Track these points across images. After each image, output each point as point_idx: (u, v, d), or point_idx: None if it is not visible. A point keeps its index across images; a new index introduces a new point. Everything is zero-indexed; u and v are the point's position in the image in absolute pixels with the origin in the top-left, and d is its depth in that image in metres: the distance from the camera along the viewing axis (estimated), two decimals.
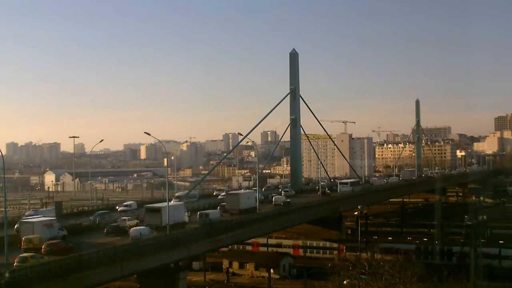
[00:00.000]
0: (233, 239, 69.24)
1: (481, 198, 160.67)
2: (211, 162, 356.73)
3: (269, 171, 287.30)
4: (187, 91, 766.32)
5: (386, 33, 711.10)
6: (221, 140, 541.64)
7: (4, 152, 51.16)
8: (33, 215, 65.28)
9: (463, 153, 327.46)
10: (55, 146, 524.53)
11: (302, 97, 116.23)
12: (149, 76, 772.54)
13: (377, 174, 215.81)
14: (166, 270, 55.54)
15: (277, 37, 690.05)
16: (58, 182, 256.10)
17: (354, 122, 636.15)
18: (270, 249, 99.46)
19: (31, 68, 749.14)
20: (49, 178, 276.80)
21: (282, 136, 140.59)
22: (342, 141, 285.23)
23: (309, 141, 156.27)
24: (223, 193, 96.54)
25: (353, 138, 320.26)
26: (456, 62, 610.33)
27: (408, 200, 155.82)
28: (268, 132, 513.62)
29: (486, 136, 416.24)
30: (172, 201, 71.02)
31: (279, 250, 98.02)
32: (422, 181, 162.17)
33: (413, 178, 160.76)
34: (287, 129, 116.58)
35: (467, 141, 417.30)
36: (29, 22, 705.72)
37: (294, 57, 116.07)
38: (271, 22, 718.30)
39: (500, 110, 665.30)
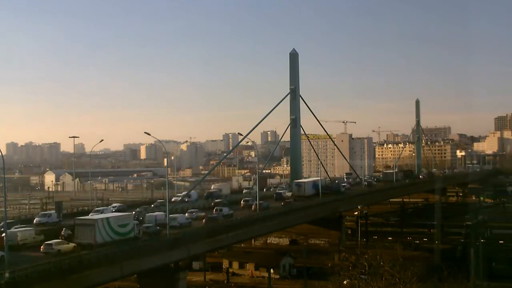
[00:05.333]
0: (233, 239, 69.26)
1: (481, 198, 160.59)
2: (211, 162, 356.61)
3: (269, 171, 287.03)
4: (187, 91, 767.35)
5: (386, 33, 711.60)
6: (221, 140, 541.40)
7: (4, 152, 51.13)
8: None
9: (463, 153, 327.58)
10: (55, 146, 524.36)
11: (302, 97, 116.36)
12: (149, 76, 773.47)
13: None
14: (166, 270, 55.57)
15: (277, 37, 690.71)
16: (58, 182, 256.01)
17: (354, 122, 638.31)
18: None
19: (31, 67, 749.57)
20: (49, 178, 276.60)
21: (282, 136, 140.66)
22: (342, 141, 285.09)
23: (309, 141, 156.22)
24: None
25: (353, 138, 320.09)
26: (456, 62, 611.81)
27: (408, 200, 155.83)
28: (268, 132, 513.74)
29: (486, 136, 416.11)
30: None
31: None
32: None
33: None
34: (287, 129, 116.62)
35: (467, 141, 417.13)
36: (29, 21, 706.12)
37: (294, 57, 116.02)
38: (271, 22, 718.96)
39: (500, 110, 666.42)
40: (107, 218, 52.48)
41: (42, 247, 48.20)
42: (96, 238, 49.64)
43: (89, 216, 58.80)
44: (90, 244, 49.10)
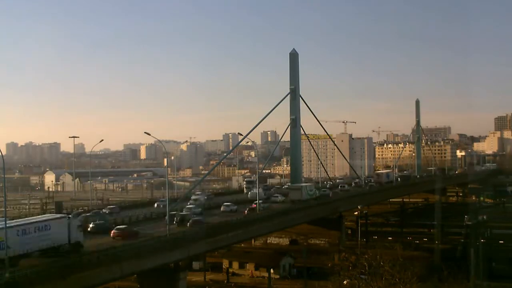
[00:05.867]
0: (233, 239, 69.29)
1: (481, 198, 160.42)
2: (211, 162, 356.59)
3: (269, 171, 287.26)
4: (187, 91, 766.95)
5: (387, 33, 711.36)
6: (221, 140, 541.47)
7: (4, 152, 51.15)
8: None
9: (463, 153, 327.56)
10: (55, 146, 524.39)
11: (302, 97, 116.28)
12: (149, 76, 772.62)
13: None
14: (166, 270, 55.55)
15: (277, 36, 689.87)
16: (58, 182, 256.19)
17: (354, 122, 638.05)
18: None
19: (31, 67, 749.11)
20: (49, 178, 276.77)
21: (282, 136, 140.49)
22: (342, 141, 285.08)
23: (309, 141, 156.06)
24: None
25: (353, 138, 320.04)
26: (456, 62, 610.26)
27: (408, 200, 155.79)
28: (268, 132, 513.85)
29: (486, 136, 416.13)
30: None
31: None
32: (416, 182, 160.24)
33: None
34: (287, 129, 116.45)
35: (467, 141, 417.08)
36: (29, 21, 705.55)
37: (294, 57, 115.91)
38: (271, 22, 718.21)
39: (500, 110, 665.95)
40: (305, 186, 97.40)
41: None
42: (302, 196, 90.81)
43: (297, 185, 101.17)
44: (299, 200, 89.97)
